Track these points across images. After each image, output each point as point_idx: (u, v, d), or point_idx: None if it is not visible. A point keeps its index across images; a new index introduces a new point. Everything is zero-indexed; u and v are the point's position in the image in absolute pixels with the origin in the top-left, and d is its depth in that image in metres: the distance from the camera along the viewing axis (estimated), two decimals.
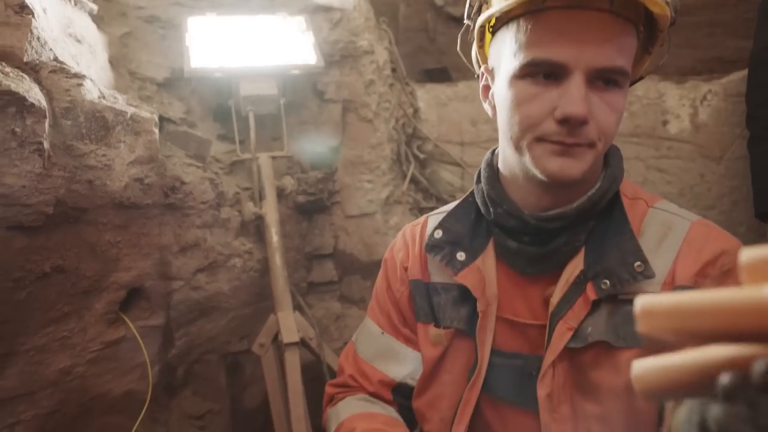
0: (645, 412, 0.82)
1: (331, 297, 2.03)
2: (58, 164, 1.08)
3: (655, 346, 0.44)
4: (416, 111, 2.09)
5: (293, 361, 1.54)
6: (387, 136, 1.98)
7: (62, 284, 1.13)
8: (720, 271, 0.80)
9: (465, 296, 0.93)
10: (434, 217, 1.05)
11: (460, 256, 0.93)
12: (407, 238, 1.06)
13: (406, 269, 1.03)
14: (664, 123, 1.80)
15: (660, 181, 1.81)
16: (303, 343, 1.63)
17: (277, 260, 1.65)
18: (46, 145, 1.03)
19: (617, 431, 0.83)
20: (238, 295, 1.65)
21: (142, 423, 1.35)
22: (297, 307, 1.71)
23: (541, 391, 0.85)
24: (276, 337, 1.61)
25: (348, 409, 1.02)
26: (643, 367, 0.35)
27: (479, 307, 0.90)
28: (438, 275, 0.99)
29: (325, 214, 1.99)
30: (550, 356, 0.84)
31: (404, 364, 1.02)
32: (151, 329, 1.37)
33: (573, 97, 0.74)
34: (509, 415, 0.92)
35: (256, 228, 1.73)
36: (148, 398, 1.32)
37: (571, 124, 0.75)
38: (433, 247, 0.96)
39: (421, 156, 2.05)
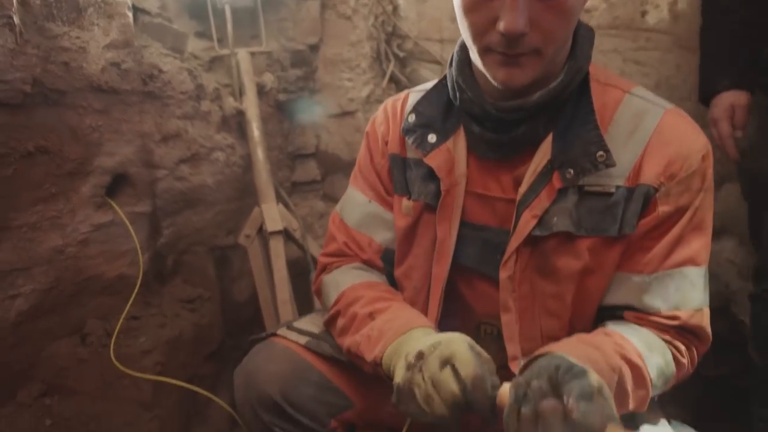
0: (592, 290, 0.90)
1: (315, 196, 2.09)
2: (32, 42, 1.08)
3: None
4: (395, 8, 2.05)
5: (278, 248, 1.61)
6: (366, 33, 1.96)
7: (47, 165, 1.17)
8: (686, 172, 0.84)
9: (434, 174, 0.96)
10: (414, 95, 1.06)
11: (431, 138, 0.96)
12: (388, 113, 1.08)
13: (386, 143, 1.06)
14: (643, 14, 1.80)
15: (637, 74, 1.83)
16: (287, 235, 1.70)
17: (260, 154, 1.68)
18: (16, 20, 1.03)
19: (568, 306, 0.91)
20: (222, 189, 1.69)
21: (136, 305, 1.42)
22: (281, 201, 1.77)
23: (503, 274, 0.91)
24: (261, 229, 1.67)
25: (347, 277, 1.06)
26: None
27: (442, 186, 0.94)
28: (412, 152, 1.02)
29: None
30: (514, 242, 0.89)
31: (390, 230, 1.06)
32: (139, 216, 1.42)
33: (509, 11, 0.74)
34: (476, 284, 0.99)
35: (237, 124, 1.75)
36: (139, 281, 1.39)
37: (509, 38, 0.76)
38: (407, 130, 1.00)
39: (401, 54, 2.04)
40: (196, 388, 1.28)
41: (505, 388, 0.68)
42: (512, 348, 0.93)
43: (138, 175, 1.38)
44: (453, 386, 0.73)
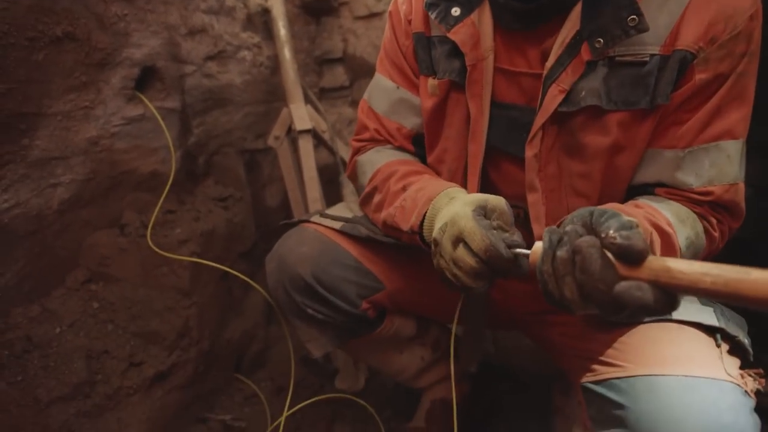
0: (622, 168, 0.87)
1: (343, 102, 2.06)
2: None
3: None
4: None
5: (307, 147, 1.61)
6: None
7: (76, 52, 1.17)
8: (729, 34, 0.77)
9: (459, 49, 0.93)
10: None
11: (455, 11, 0.92)
12: None
13: (410, 22, 1.03)
14: None
15: None
16: (315, 136, 1.69)
17: (286, 53, 1.65)
18: None
19: (596, 185, 0.88)
20: (250, 90, 1.68)
21: (171, 202, 1.46)
22: (309, 102, 1.75)
23: (529, 152, 0.88)
24: (290, 130, 1.67)
25: (382, 156, 1.07)
26: None
27: (467, 61, 0.91)
28: (436, 29, 0.98)
29: (333, 17, 1.95)
30: (540, 119, 0.86)
31: (419, 115, 1.05)
32: (169, 112, 1.42)
33: None
34: (503, 165, 0.97)
35: (263, 24, 1.72)
36: (172, 176, 1.42)
37: None
38: (430, 5, 0.95)
39: None
40: (233, 270, 1.33)
41: (538, 245, 0.67)
42: (538, 229, 0.92)
43: (166, 69, 1.38)
44: (469, 260, 0.75)
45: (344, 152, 1.79)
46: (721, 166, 0.84)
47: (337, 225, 1.09)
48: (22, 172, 1.11)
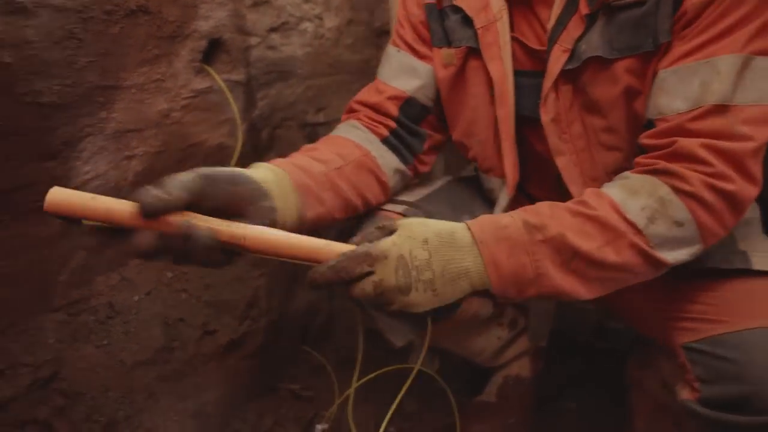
0: (641, 115, 0.84)
1: None
2: None
3: None
4: None
5: None
6: None
7: (149, 25, 1.18)
8: None
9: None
10: None
11: None
12: None
13: None
14: None
15: None
16: None
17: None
18: None
19: (624, 136, 0.87)
20: (311, 63, 1.67)
21: None
22: None
23: (545, 117, 0.88)
24: None
25: (337, 131, 1.09)
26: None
27: (476, 24, 0.92)
28: None
29: None
30: (547, 82, 0.86)
31: (417, 77, 1.05)
32: (235, 85, 1.43)
33: None
34: (527, 133, 0.97)
35: None
36: (239, 149, 1.43)
37: None
38: None
39: None
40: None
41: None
42: (576, 190, 0.91)
43: (232, 42, 1.38)
44: None
45: None
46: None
47: (400, 209, 1.07)
48: (101, 144, 1.14)
